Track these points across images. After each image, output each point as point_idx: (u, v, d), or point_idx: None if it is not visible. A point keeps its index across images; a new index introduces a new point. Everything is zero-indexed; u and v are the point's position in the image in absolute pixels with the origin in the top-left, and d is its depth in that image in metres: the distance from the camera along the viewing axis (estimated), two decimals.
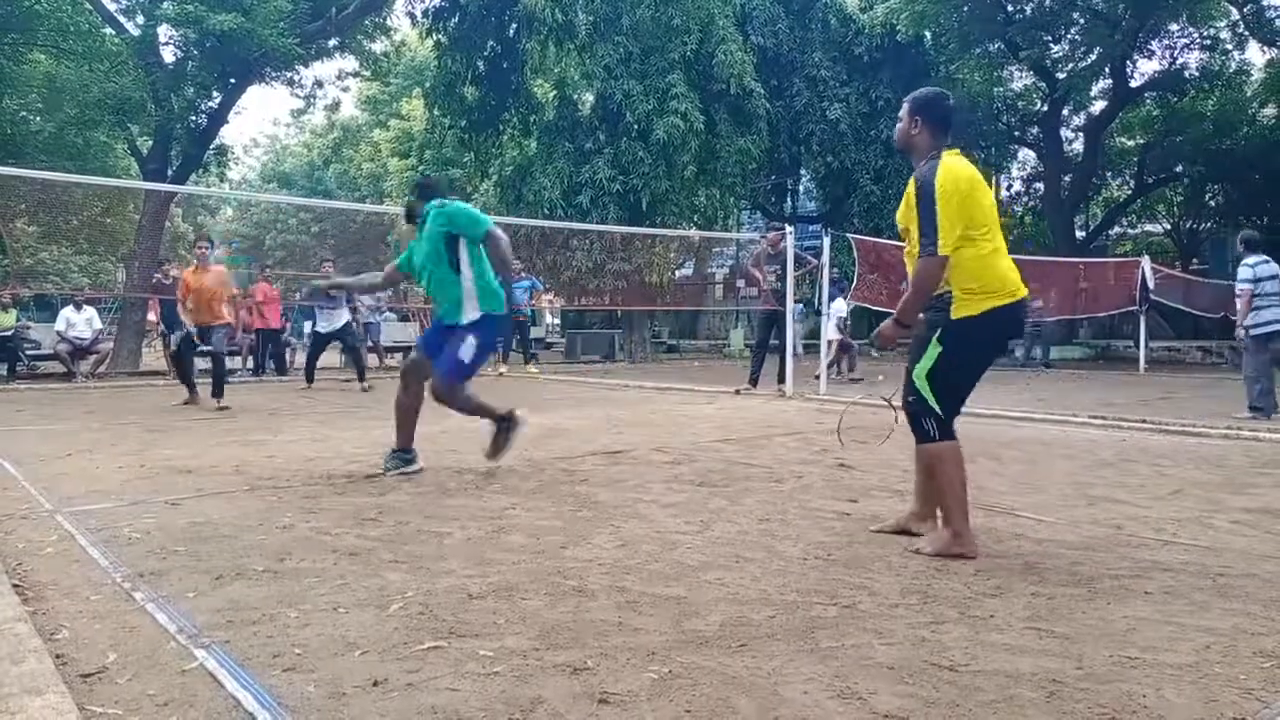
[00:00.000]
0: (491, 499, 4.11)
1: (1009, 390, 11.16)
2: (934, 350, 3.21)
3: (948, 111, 3.37)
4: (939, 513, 3.30)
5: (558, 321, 31.12)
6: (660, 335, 24.74)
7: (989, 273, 3.18)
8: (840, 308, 12.99)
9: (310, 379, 11.62)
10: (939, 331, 3.21)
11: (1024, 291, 3.26)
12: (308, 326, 13.40)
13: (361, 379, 11.39)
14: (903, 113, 3.37)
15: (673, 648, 2.23)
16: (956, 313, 3.17)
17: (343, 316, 11.47)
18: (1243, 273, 8.01)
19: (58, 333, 12.82)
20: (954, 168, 3.16)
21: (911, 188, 3.24)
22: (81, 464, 5.11)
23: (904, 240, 3.38)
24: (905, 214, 3.31)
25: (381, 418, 7.76)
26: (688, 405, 9.10)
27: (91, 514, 3.74)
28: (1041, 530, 3.54)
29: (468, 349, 4.69)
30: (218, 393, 8.79)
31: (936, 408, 3.20)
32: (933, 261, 3.12)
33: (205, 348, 9.18)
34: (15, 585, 2.69)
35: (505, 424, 4.92)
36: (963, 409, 3.28)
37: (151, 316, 14.38)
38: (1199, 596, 2.69)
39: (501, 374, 14.17)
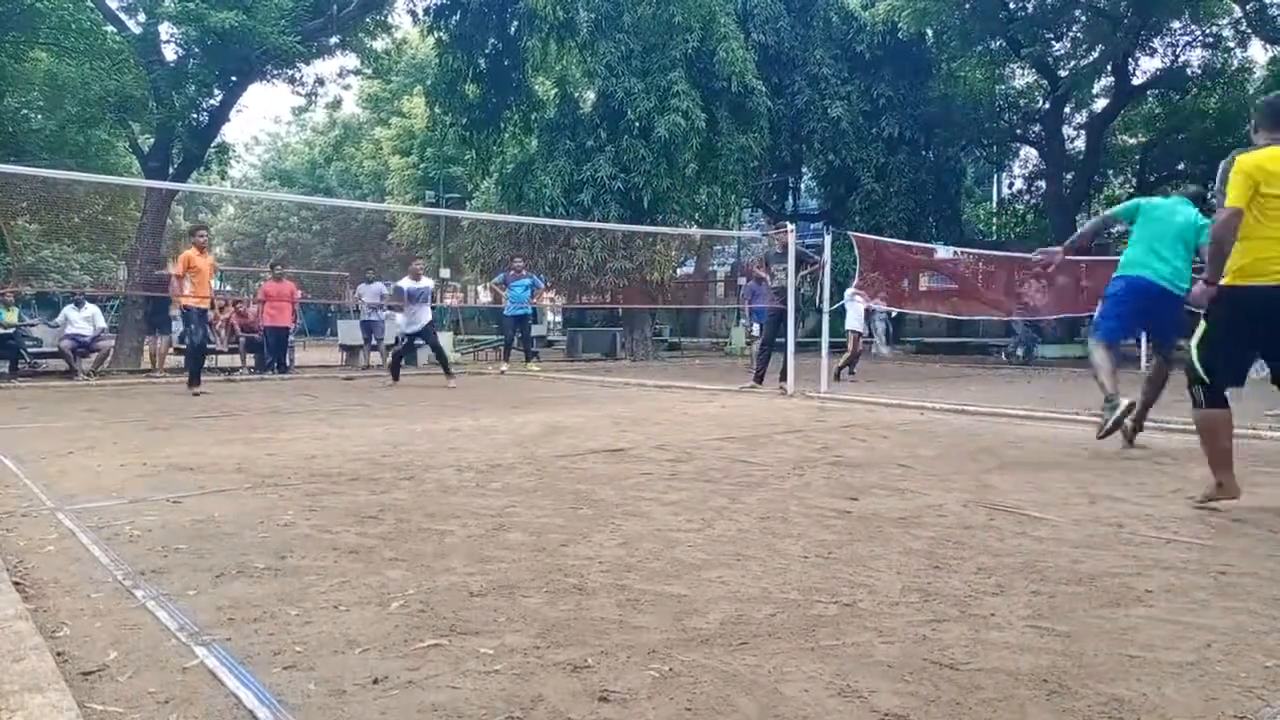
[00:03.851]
0: (492, 497, 4.11)
1: (1010, 388, 11.16)
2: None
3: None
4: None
5: (559, 319, 31.14)
6: (662, 333, 24.74)
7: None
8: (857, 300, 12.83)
9: (396, 376, 12.13)
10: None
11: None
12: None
13: (448, 374, 11.93)
14: None
15: (673, 646, 2.23)
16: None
17: (426, 316, 12.02)
18: None
19: (58, 328, 12.89)
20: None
21: None
22: (83, 462, 5.12)
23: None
24: None
25: (385, 416, 7.78)
26: (689, 403, 9.10)
27: (93, 512, 3.75)
28: (1042, 528, 3.54)
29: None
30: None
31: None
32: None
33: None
34: (16, 583, 2.69)
35: (1108, 404, 5.43)
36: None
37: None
38: (1200, 595, 2.69)
39: (503, 372, 14.18)
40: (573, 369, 15.89)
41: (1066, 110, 22.87)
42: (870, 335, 18.69)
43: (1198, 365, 3.86)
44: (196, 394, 9.80)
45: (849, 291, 12.59)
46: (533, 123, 20.42)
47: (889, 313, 18.53)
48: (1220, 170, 4.17)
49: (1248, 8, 18.88)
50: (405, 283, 12.24)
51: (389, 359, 13.35)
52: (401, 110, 36.38)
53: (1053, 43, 20.70)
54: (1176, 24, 20.13)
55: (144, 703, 1.91)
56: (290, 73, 17.82)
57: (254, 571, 2.87)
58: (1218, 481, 3.87)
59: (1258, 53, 22.92)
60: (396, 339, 13.17)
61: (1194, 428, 4.03)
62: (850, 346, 12.54)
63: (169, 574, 2.84)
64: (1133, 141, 24.33)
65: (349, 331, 17.03)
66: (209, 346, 10.49)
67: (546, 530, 3.45)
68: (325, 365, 16.42)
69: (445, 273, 30.63)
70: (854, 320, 12.58)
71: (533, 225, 17.85)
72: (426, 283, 12.39)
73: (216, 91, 16.07)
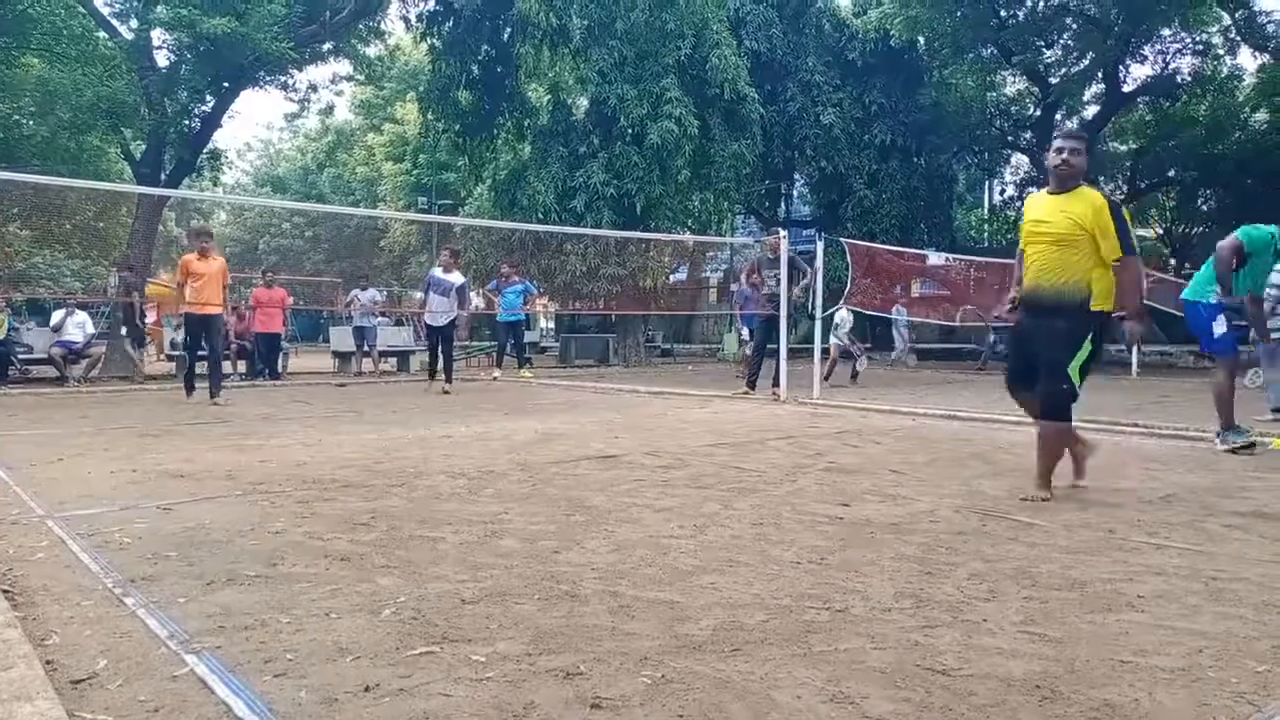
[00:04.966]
0: (484, 503, 4.10)
1: (1002, 394, 11.18)
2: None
3: None
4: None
5: (552, 325, 31.12)
6: (654, 339, 24.76)
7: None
8: (846, 319, 13.18)
9: (433, 375, 11.75)
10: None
11: None
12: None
13: (449, 379, 11.40)
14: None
15: (665, 652, 2.23)
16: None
17: (447, 315, 11.27)
18: (1274, 278, 7.91)
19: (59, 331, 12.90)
20: None
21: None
22: (73, 469, 5.09)
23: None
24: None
25: (377, 422, 7.76)
26: (682, 409, 9.10)
27: (83, 519, 3.73)
28: (1034, 534, 3.54)
29: None
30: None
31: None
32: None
33: (202, 352, 9.63)
34: (5, 590, 2.67)
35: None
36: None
37: (152, 317, 14.35)
38: (1191, 600, 2.70)
39: (495, 378, 14.16)
40: (566, 375, 15.88)
41: (1058, 117, 22.97)
42: (893, 346, 18.98)
43: (1079, 383, 4.19)
44: (191, 401, 9.53)
45: (840, 314, 12.94)
46: (525, 129, 20.44)
47: (910, 322, 18.64)
48: (1111, 213, 4.18)
49: (1237, 15, 19.05)
50: (435, 271, 11.48)
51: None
52: (394, 117, 36.40)
53: (1043, 50, 20.82)
54: (1166, 31, 20.26)
55: (134, 711, 1.89)
56: (283, 79, 17.80)
57: (245, 579, 2.86)
58: (1081, 449, 4.48)
59: (1247, 60, 23.14)
60: (428, 336, 12.17)
61: (1052, 432, 4.31)
62: (830, 355, 12.85)
63: (159, 581, 2.82)
64: (1123, 148, 24.46)
65: (341, 338, 17.01)
66: (199, 354, 10.05)
67: (539, 537, 3.44)
68: (318, 372, 16.38)
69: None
70: (833, 337, 13.02)
71: (525, 232, 17.88)
72: (455, 277, 11.24)
73: (209, 97, 16.04)
